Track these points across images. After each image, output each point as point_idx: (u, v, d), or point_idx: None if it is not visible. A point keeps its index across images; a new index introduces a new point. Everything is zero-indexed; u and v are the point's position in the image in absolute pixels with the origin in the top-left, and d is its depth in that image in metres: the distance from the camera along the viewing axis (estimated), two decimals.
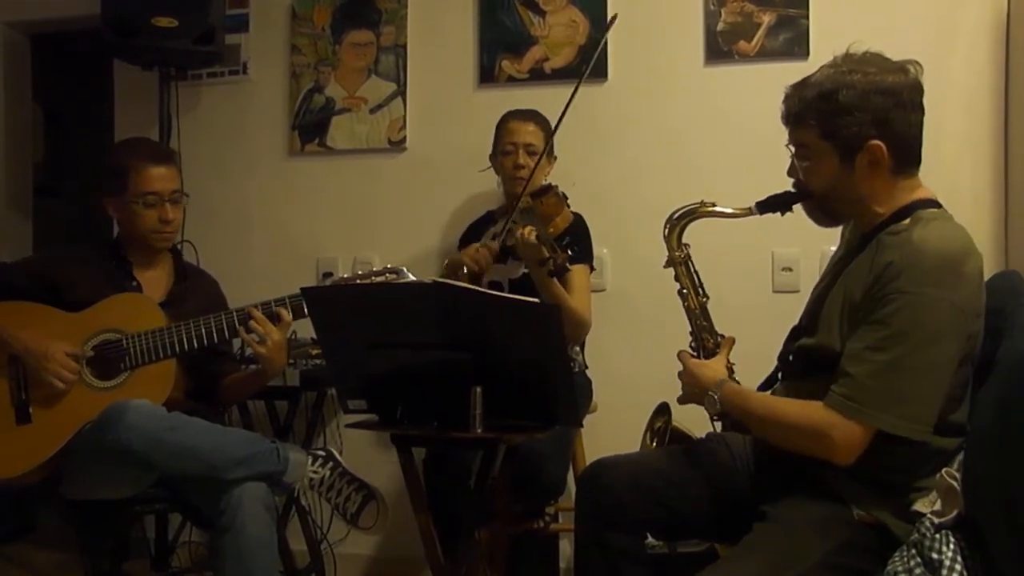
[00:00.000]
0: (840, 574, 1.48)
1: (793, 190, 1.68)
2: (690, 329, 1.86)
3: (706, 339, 1.82)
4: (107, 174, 2.33)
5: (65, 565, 2.99)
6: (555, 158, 2.70)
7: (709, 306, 1.86)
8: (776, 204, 1.69)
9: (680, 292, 1.85)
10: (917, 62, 1.56)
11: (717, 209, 1.77)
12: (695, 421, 1.92)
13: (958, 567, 1.33)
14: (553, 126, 2.50)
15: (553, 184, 2.33)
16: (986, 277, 1.74)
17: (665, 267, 1.84)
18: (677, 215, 1.81)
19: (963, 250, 1.49)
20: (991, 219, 2.67)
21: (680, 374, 1.77)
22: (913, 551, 1.40)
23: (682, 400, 1.78)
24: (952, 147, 2.67)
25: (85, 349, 2.17)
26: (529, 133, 2.62)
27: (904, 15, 2.72)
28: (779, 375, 1.76)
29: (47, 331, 2.16)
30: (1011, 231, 2.66)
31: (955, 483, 1.43)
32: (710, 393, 1.66)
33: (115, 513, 2.21)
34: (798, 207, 1.69)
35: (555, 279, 2.30)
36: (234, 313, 2.19)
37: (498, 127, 2.70)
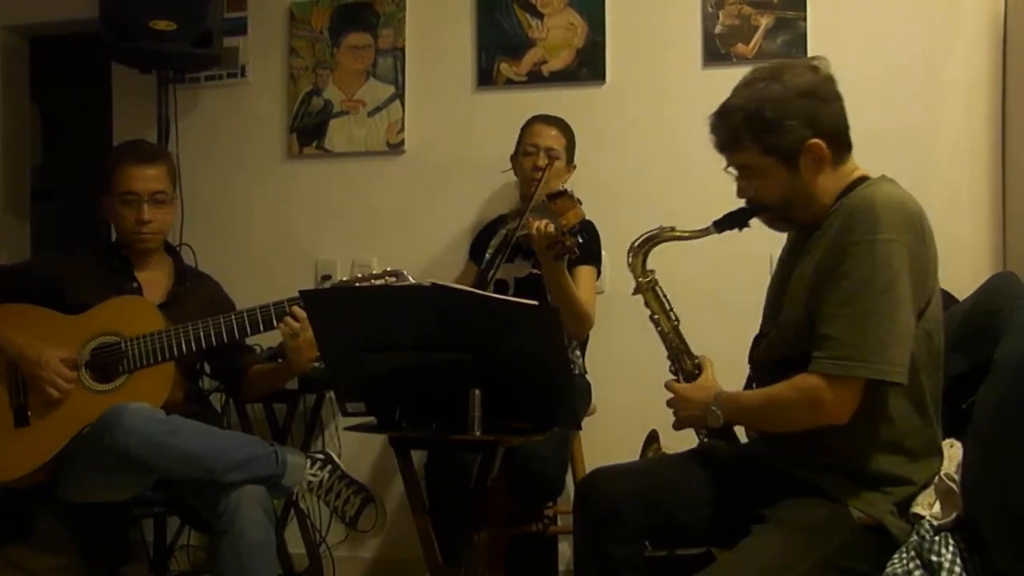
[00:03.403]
0: (840, 575, 1.48)
1: (747, 206, 1.72)
2: (667, 354, 1.86)
3: (684, 361, 1.83)
4: (101, 176, 2.35)
5: (63, 569, 2.98)
6: (574, 166, 2.72)
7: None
8: (733, 221, 1.73)
9: (651, 318, 1.86)
10: (823, 57, 1.64)
11: (677, 233, 1.80)
12: (685, 444, 1.92)
13: (957, 569, 1.34)
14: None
15: (569, 189, 2.35)
16: (984, 278, 1.76)
17: (633, 294, 1.86)
18: (639, 243, 1.83)
19: (910, 200, 1.54)
20: (988, 220, 2.68)
21: (670, 402, 1.77)
22: (912, 553, 1.40)
23: (678, 426, 1.79)
24: (949, 147, 2.68)
25: (83, 353, 2.17)
26: (552, 137, 2.66)
27: (901, 17, 2.73)
28: (753, 385, 1.77)
29: (46, 334, 2.16)
30: (1009, 232, 2.66)
31: (954, 485, 1.44)
32: (712, 408, 1.67)
33: (113, 516, 2.21)
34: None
35: (564, 269, 2.33)
36: (232, 316, 2.20)
37: (522, 129, 2.72)
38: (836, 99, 1.61)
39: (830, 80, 1.62)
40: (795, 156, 1.59)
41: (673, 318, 1.85)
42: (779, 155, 1.60)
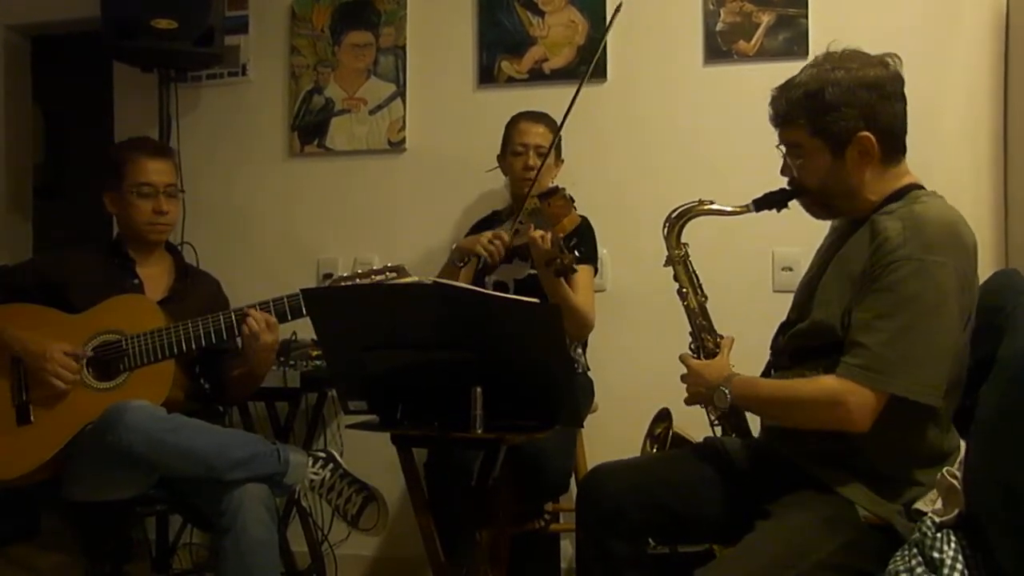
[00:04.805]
0: (842, 574, 1.48)
1: (788, 187, 1.71)
2: (690, 329, 1.86)
3: (706, 339, 1.83)
4: (106, 170, 2.36)
5: (66, 567, 2.99)
6: (562, 161, 2.71)
7: (708, 305, 1.87)
8: (772, 201, 1.72)
9: (679, 291, 1.86)
10: (896, 55, 1.61)
11: (715, 207, 1.80)
12: (695, 426, 1.92)
13: (959, 566, 1.33)
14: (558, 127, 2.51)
15: (560, 186, 2.34)
16: (986, 276, 1.75)
17: (665, 266, 1.86)
18: (675, 214, 1.83)
19: (961, 221, 1.54)
20: (991, 217, 2.67)
21: (684, 377, 1.77)
22: (914, 550, 1.39)
23: (688, 401, 1.78)
24: (951, 144, 2.67)
25: (85, 350, 2.18)
26: (539, 135, 2.63)
27: (903, 13, 2.72)
28: (772, 371, 1.77)
29: (48, 333, 2.17)
30: (1011, 229, 2.66)
31: (956, 482, 1.43)
32: (721, 388, 1.66)
33: (116, 515, 2.21)
34: (794, 203, 1.72)
35: (562, 279, 2.31)
36: (232, 313, 2.20)
37: (508, 128, 2.70)
38: (900, 99, 1.59)
39: (898, 79, 1.59)
40: (843, 145, 1.58)
41: (701, 294, 1.85)
42: (827, 139, 1.59)
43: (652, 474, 1.73)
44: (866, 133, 1.56)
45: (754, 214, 1.75)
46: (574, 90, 2.38)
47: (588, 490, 1.74)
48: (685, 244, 1.85)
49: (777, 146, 1.68)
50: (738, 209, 1.76)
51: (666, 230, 1.84)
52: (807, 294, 1.69)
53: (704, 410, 1.87)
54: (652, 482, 1.70)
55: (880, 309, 1.49)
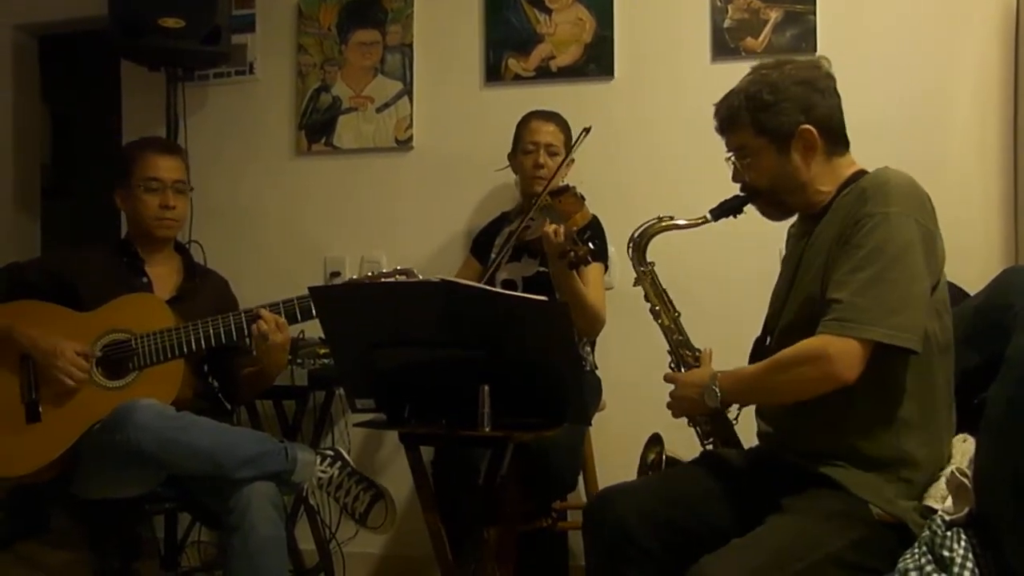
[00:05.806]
0: (851, 571, 1.47)
1: (741, 193, 1.75)
2: (668, 348, 1.87)
3: (685, 354, 1.85)
4: (117, 168, 2.39)
5: (75, 564, 3.00)
6: (572, 160, 2.71)
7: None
8: (728, 209, 1.77)
9: (652, 310, 1.88)
10: (826, 57, 1.71)
11: (675, 222, 1.83)
12: (685, 449, 1.91)
13: (969, 564, 1.33)
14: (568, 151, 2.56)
15: (571, 184, 2.34)
16: (995, 272, 1.75)
17: (634, 286, 1.88)
18: (637, 233, 1.86)
19: (918, 185, 1.58)
20: (1000, 215, 2.66)
21: (672, 392, 1.77)
22: (924, 548, 1.39)
23: (684, 412, 1.78)
24: (961, 142, 2.66)
25: (94, 349, 2.18)
26: (549, 133, 2.65)
27: (911, 10, 2.71)
28: None
29: (57, 330, 2.17)
30: (1021, 226, 2.65)
31: (966, 480, 1.43)
32: (710, 387, 1.66)
33: (125, 512, 2.22)
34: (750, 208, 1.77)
35: (574, 272, 2.31)
36: (243, 314, 2.20)
37: (519, 127, 2.71)
38: (833, 94, 1.66)
39: (829, 77, 1.67)
40: (787, 139, 1.64)
41: (672, 310, 1.87)
42: (771, 137, 1.64)
43: (657, 495, 1.70)
44: (807, 126, 1.62)
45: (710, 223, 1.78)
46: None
47: (595, 516, 1.72)
48: (651, 263, 1.87)
49: (726, 158, 1.73)
50: (696, 221, 1.79)
51: (631, 250, 1.87)
52: (783, 297, 1.71)
53: (693, 430, 1.87)
54: (659, 503, 1.67)
55: (851, 264, 1.52)
